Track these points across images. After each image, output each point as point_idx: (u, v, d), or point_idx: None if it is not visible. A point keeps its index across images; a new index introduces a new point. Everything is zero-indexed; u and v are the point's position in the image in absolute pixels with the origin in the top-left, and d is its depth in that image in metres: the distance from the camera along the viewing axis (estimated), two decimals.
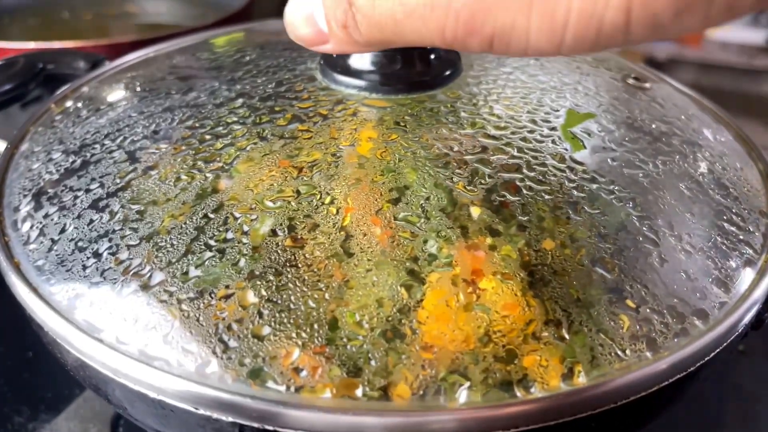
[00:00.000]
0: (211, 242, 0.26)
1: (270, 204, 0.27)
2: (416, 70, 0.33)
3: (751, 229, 0.30)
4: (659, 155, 0.32)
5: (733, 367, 0.46)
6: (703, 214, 0.30)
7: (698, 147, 0.34)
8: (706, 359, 0.25)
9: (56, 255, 0.28)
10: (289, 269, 0.25)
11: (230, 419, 0.23)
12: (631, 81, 0.39)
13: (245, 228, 0.27)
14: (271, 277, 0.25)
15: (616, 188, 0.29)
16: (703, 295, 0.27)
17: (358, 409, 0.22)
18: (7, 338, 0.46)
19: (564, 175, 0.29)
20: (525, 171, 0.29)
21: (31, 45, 0.62)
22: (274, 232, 0.26)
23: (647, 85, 0.39)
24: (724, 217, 0.30)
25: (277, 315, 0.24)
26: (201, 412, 0.23)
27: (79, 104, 0.37)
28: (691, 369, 0.25)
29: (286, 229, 0.26)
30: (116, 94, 0.38)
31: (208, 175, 0.29)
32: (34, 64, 0.46)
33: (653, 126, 0.34)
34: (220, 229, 0.27)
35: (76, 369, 0.27)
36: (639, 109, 0.36)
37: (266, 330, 0.24)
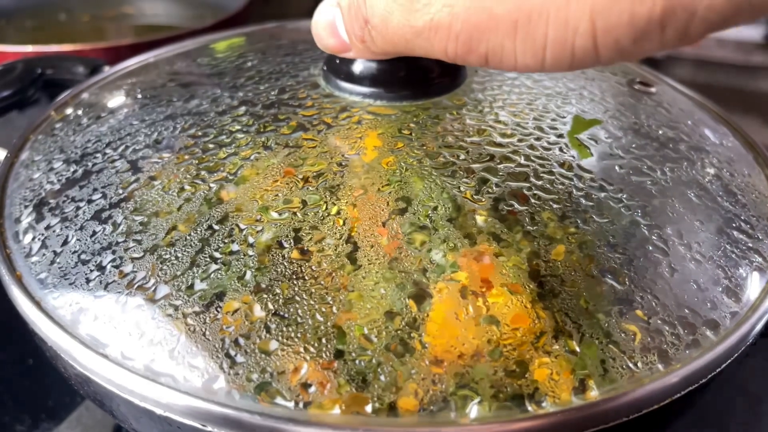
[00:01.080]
0: (216, 254, 0.26)
1: (275, 215, 0.27)
2: (421, 77, 0.32)
3: (760, 237, 0.30)
4: (667, 162, 0.32)
5: (738, 370, 0.46)
6: (712, 221, 0.30)
7: (705, 153, 0.34)
8: (717, 370, 0.25)
9: (59, 267, 0.27)
10: (295, 282, 0.25)
11: None
12: (637, 86, 0.38)
13: (250, 240, 0.26)
14: (278, 290, 0.25)
15: (625, 196, 0.29)
16: (713, 305, 0.26)
17: (368, 425, 0.22)
18: (8, 345, 0.46)
19: (572, 183, 0.29)
20: (532, 179, 0.29)
21: (29, 48, 0.61)
22: (280, 244, 0.26)
23: (653, 89, 0.39)
24: (733, 225, 0.30)
25: (285, 329, 0.24)
26: (209, 429, 0.23)
27: (80, 111, 0.37)
28: (703, 381, 0.25)
29: (292, 240, 0.26)
30: (117, 100, 0.37)
31: (212, 185, 0.29)
32: (32, 69, 0.45)
33: (660, 132, 0.34)
34: (225, 241, 0.26)
35: (79, 384, 0.26)
36: (645, 115, 0.36)
37: (273, 344, 0.24)
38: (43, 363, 0.43)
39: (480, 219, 0.27)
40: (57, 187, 0.31)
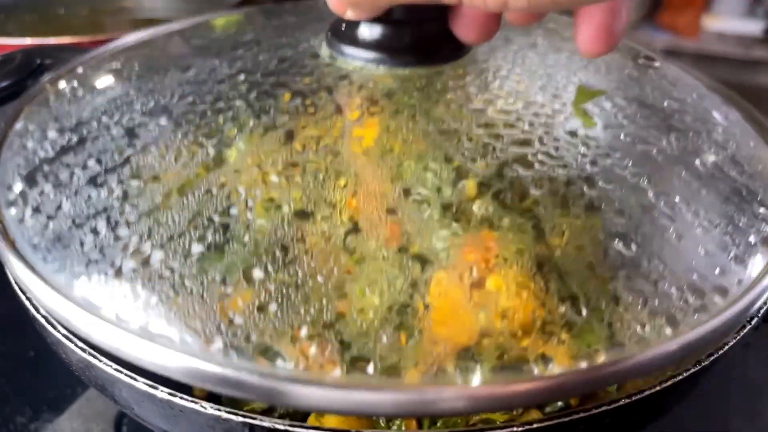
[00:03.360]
0: (215, 217, 0.25)
1: (275, 179, 0.26)
2: (425, 44, 0.32)
3: None
4: (672, 131, 0.31)
5: (738, 359, 0.46)
6: (719, 190, 0.29)
7: (711, 124, 0.34)
8: (726, 335, 0.25)
9: (53, 232, 0.27)
10: (296, 244, 0.24)
11: (240, 420, 0.22)
12: (641, 60, 0.38)
13: (250, 203, 0.26)
14: (278, 253, 0.24)
15: (630, 163, 0.29)
16: (722, 272, 0.26)
17: (369, 386, 0.21)
18: (8, 337, 0.45)
19: (577, 150, 0.29)
20: (537, 146, 0.28)
21: (28, 41, 0.61)
22: (279, 207, 0.25)
23: (657, 63, 0.38)
24: (741, 194, 0.29)
25: (285, 291, 0.23)
26: (210, 412, 0.22)
27: (75, 83, 0.36)
28: (710, 347, 0.24)
29: (291, 203, 0.26)
30: (113, 72, 0.36)
31: (210, 150, 0.28)
32: (31, 59, 0.44)
33: (665, 104, 0.34)
34: (224, 204, 0.26)
35: (81, 369, 0.26)
36: (650, 87, 0.35)
37: (273, 306, 0.23)
38: (44, 354, 0.43)
39: (484, 184, 0.27)
40: (51, 154, 0.30)
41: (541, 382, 0.22)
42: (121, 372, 0.27)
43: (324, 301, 0.23)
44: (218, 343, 0.23)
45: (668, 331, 0.24)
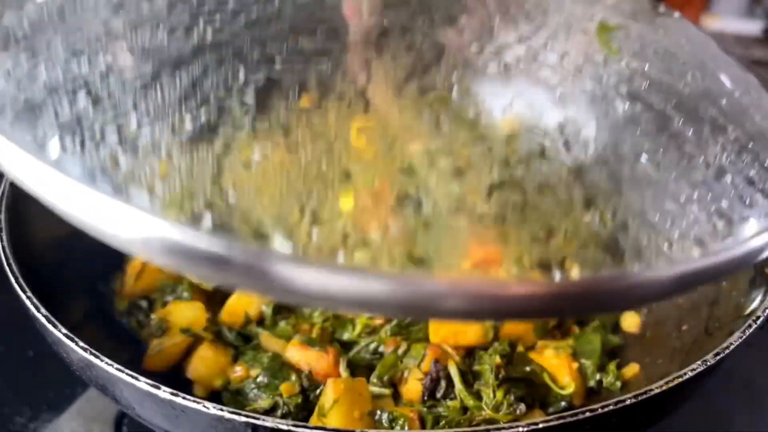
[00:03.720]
0: (211, 95, 0.23)
1: (279, 66, 0.24)
2: None
3: None
4: (696, 69, 0.30)
5: (741, 361, 0.45)
6: (745, 129, 0.28)
7: (730, 70, 0.32)
8: (752, 261, 0.23)
9: (25, 99, 0.24)
10: (300, 126, 0.22)
11: (243, 420, 0.21)
12: (662, 9, 0.37)
13: (251, 80, 0.23)
14: (279, 130, 0.22)
15: (654, 89, 0.27)
16: (750, 203, 0.25)
17: (366, 271, 0.19)
18: (8, 337, 0.45)
19: (601, 73, 0.27)
20: (564, 66, 0.27)
21: None
22: (285, 90, 0.23)
23: (677, 15, 0.37)
24: (766, 136, 0.28)
25: (286, 171, 0.21)
26: (212, 412, 0.22)
27: None
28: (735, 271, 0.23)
29: (297, 89, 0.23)
30: None
31: (208, 29, 0.25)
32: None
33: (687, 47, 0.32)
34: (222, 82, 0.23)
35: (81, 368, 0.24)
36: (672, 32, 0.34)
37: (273, 187, 0.21)
38: (43, 354, 0.42)
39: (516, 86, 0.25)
40: (27, 26, 0.27)
41: (561, 286, 0.20)
42: (122, 371, 0.26)
43: (328, 187, 0.21)
44: (207, 221, 0.20)
45: (696, 252, 0.22)
